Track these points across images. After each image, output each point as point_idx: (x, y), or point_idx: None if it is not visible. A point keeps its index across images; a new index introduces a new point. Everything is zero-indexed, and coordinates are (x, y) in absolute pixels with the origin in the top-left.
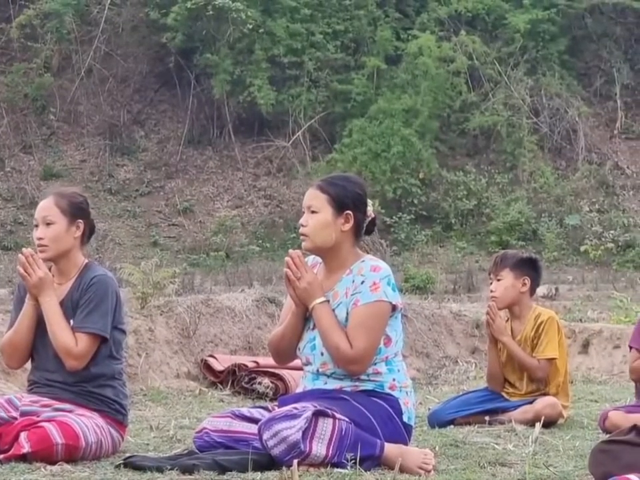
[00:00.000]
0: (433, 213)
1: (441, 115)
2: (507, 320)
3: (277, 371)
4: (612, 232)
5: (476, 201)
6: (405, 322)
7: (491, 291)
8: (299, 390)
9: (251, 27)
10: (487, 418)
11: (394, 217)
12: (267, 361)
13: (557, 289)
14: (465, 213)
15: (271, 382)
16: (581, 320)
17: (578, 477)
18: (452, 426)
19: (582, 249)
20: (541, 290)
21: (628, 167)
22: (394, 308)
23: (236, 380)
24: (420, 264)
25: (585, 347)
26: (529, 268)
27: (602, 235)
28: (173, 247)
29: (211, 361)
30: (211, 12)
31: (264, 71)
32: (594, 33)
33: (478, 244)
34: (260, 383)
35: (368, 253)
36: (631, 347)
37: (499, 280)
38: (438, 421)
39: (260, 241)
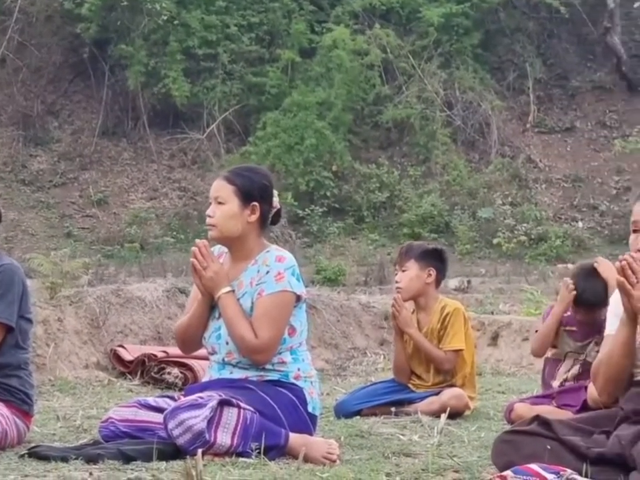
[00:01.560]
0: (346, 206)
1: (354, 108)
2: (413, 312)
3: (186, 361)
4: (525, 225)
5: (388, 193)
6: (314, 313)
7: (396, 282)
8: (205, 379)
9: (165, 18)
10: (393, 409)
11: (306, 210)
12: (177, 351)
13: (469, 282)
14: (377, 205)
15: (180, 372)
16: (492, 313)
17: (482, 467)
18: (358, 417)
19: (494, 241)
20: (453, 283)
21: (540, 161)
22: (298, 298)
23: (145, 370)
24: (332, 256)
25: (494, 339)
26: (435, 259)
27: (515, 228)
28: (86, 238)
29: (120, 351)
30: (125, 3)
31: (178, 63)
32: (507, 27)
33: (390, 236)
34: (169, 373)
35: (277, 244)
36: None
37: (404, 271)
38: (344, 411)
39: (174, 233)
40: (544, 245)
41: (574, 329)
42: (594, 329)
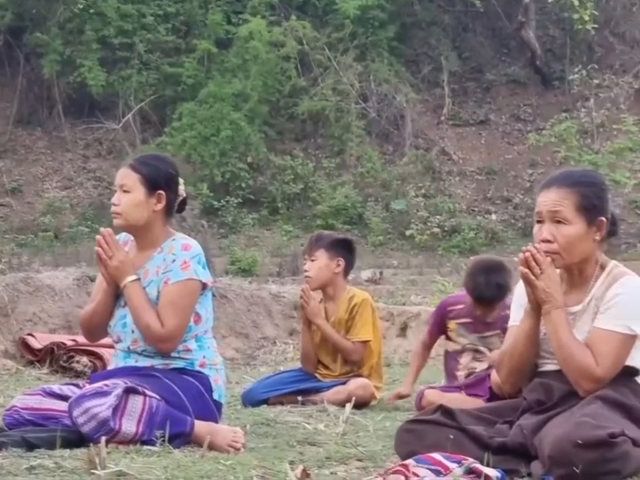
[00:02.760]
0: (260, 197)
1: (270, 100)
2: (321, 301)
3: (95, 349)
4: (438, 217)
5: (303, 185)
6: (225, 303)
7: (305, 271)
8: (110, 367)
9: (81, 7)
10: (299, 398)
11: (222, 201)
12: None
13: (381, 273)
14: (291, 196)
15: (90, 360)
16: (404, 304)
17: (385, 456)
18: (265, 405)
19: (407, 233)
20: (366, 274)
21: (454, 153)
22: (204, 286)
23: (54, 358)
24: (246, 247)
25: (403, 329)
26: (344, 249)
27: (428, 219)
28: (0, 227)
29: (29, 339)
30: None
31: (94, 52)
32: (423, 20)
33: (304, 227)
34: (78, 362)
35: (190, 235)
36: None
37: (313, 260)
38: (251, 400)
39: (89, 222)
40: (457, 237)
41: (469, 320)
42: (493, 322)
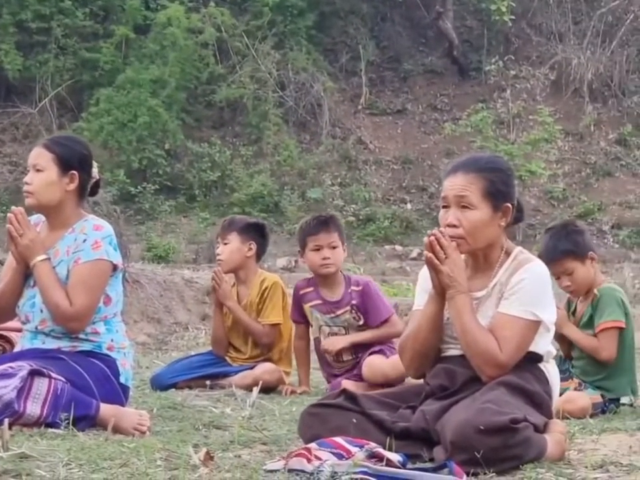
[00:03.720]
0: (178, 184)
1: (188, 87)
2: (234, 285)
3: (4, 333)
4: (353, 206)
5: (220, 172)
6: (138, 288)
7: (217, 254)
8: (17, 349)
9: None
10: (208, 382)
11: (139, 187)
12: None
13: (296, 261)
14: (208, 184)
15: None
16: None
17: (290, 440)
18: (174, 389)
19: None
20: (281, 262)
21: (371, 142)
22: (115, 267)
23: None
24: (163, 234)
25: None
26: (256, 233)
27: (343, 208)
28: None
29: None
30: None
31: (11, 36)
32: (341, 9)
33: (221, 215)
34: None
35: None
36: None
37: (225, 244)
38: (160, 384)
39: (4, 207)
40: (372, 225)
41: (319, 302)
42: (340, 300)
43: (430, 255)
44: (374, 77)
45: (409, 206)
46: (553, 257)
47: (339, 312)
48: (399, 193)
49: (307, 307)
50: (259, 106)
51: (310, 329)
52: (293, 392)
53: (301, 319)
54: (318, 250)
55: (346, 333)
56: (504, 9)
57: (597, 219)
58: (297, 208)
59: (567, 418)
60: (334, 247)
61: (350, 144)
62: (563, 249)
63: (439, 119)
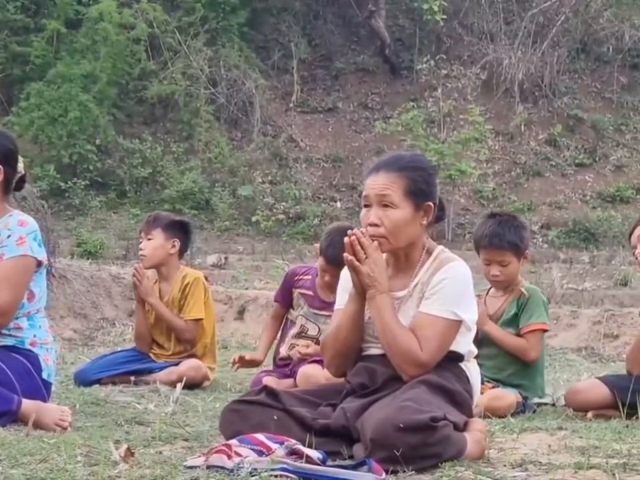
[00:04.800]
0: (108, 180)
1: (119, 82)
2: (156, 281)
3: None
4: (283, 204)
5: (151, 169)
6: (64, 283)
7: (140, 250)
8: None
9: None
10: (132, 378)
11: (69, 182)
12: None
13: (226, 258)
14: (139, 180)
15: None
16: (247, 289)
17: (212, 436)
18: (98, 385)
19: (253, 219)
20: (211, 259)
21: (302, 140)
22: (39, 264)
23: None
24: (93, 229)
25: (241, 313)
26: (180, 231)
27: (273, 206)
28: None
29: None
30: None
31: None
32: (274, 6)
33: (151, 211)
34: None
35: (30, 215)
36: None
37: (149, 239)
38: (83, 379)
39: None
40: (302, 223)
41: (310, 293)
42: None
43: (350, 257)
44: (305, 75)
45: (338, 204)
46: (497, 244)
47: (323, 312)
48: (329, 191)
49: (296, 292)
50: (191, 103)
51: (291, 311)
52: (241, 358)
53: (284, 301)
54: None
55: (318, 333)
56: (436, 9)
57: (526, 218)
58: (227, 205)
59: (489, 417)
60: None
61: (281, 142)
62: (509, 239)
63: (370, 117)
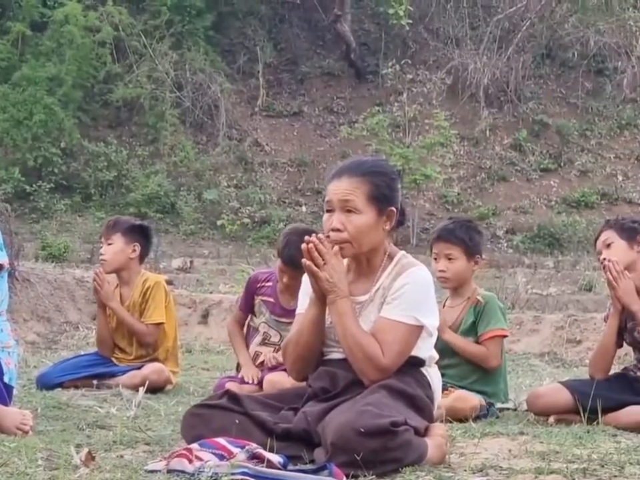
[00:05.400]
0: (73, 183)
1: (84, 85)
2: (117, 286)
3: None
4: (249, 208)
5: (116, 172)
6: (27, 286)
7: (101, 254)
8: None
9: None
10: (95, 382)
11: (34, 185)
12: None
13: (192, 262)
14: (104, 183)
15: None
16: (211, 293)
17: (174, 440)
18: (60, 389)
19: (219, 223)
20: (176, 262)
21: (267, 144)
22: (0, 267)
23: None
24: (58, 232)
25: (205, 317)
26: (140, 235)
27: (239, 210)
28: None
29: None
30: None
31: None
32: (239, 10)
33: (117, 215)
34: None
35: None
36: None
37: (109, 244)
38: (46, 383)
39: None
40: (267, 227)
41: (271, 300)
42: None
43: (308, 263)
44: (271, 79)
45: (303, 208)
46: (445, 237)
47: (284, 319)
48: (294, 196)
49: (258, 299)
50: (156, 106)
51: (253, 318)
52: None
53: (246, 308)
54: None
55: (279, 340)
56: (402, 13)
57: (491, 223)
58: (192, 209)
59: (450, 421)
60: None
61: (246, 146)
62: (458, 235)
63: (335, 121)
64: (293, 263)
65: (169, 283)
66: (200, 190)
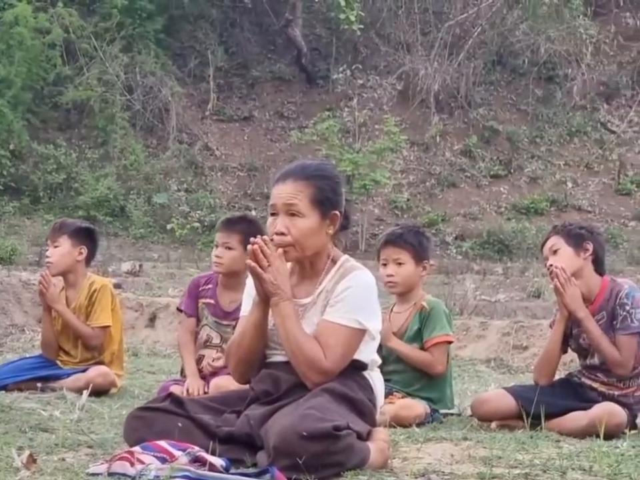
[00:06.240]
0: (22, 185)
1: (34, 87)
2: (63, 289)
3: None
4: (199, 212)
5: (65, 175)
6: None
7: (47, 257)
8: None
9: None
10: (39, 385)
11: None
12: None
13: (141, 266)
14: (53, 186)
15: None
16: (160, 296)
17: (116, 443)
18: (4, 391)
19: (168, 227)
20: (125, 266)
21: (217, 148)
22: None
23: None
24: (6, 235)
25: (152, 320)
26: (87, 238)
27: (188, 214)
28: None
29: None
30: None
31: None
32: (190, 14)
33: (66, 218)
34: None
35: None
36: (180, 310)
37: (56, 246)
38: None
39: None
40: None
41: (212, 302)
42: (232, 312)
43: (253, 264)
44: (222, 83)
45: (253, 213)
46: (394, 242)
47: (224, 322)
48: (244, 200)
49: (201, 302)
50: (106, 109)
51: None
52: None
53: (193, 312)
54: (216, 247)
55: (221, 341)
56: (353, 18)
57: (440, 229)
58: (142, 212)
59: (394, 426)
60: (228, 248)
61: (197, 150)
62: (407, 239)
63: (286, 126)
64: (226, 223)
65: (118, 286)
66: (150, 193)
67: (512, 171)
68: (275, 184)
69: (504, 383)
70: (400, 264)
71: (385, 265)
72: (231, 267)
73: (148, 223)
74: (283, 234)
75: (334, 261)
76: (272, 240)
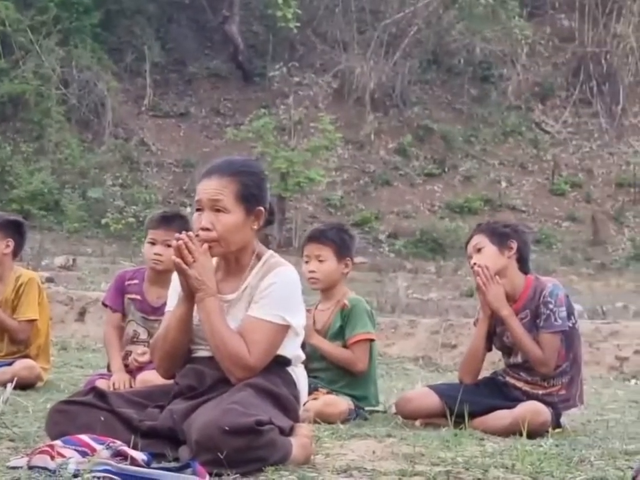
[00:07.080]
0: None
1: None
2: None
3: None
4: (134, 207)
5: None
6: None
7: None
8: None
9: None
10: None
11: None
12: None
13: (74, 260)
14: None
15: None
16: (94, 290)
17: (39, 437)
18: None
19: (103, 222)
20: (59, 260)
21: (153, 144)
22: None
23: None
24: None
25: (82, 314)
26: (14, 231)
27: (123, 209)
28: None
29: None
30: None
31: None
32: (128, 9)
33: None
34: None
35: None
36: (105, 305)
37: None
38: None
39: None
40: None
41: (138, 297)
42: (160, 308)
43: (178, 260)
44: (158, 79)
45: (188, 209)
46: (316, 238)
47: (152, 317)
48: (179, 196)
49: (127, 297)
50: (42, 102)
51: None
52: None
53: (118, 307)
54: (153, 244)
55: (148, 337)
56: (289, 16)
57: (373, 227)
58: (77, 207)
59: (318, 423)
60: (168, 246)
61: (132, 145)
62: (329, 236)
63: (222, 123)
64: (163, 219)
65: (50, 280)
66: (85, 188)
67: (446, 170)
68: (201, 179)
69: (432, 381)
70: (321, 261)
71: (307, 261)
72: (170, 264)
73: (82, 217)
74: (208, 229)
75: (259, 257)
76: (197, 235)
